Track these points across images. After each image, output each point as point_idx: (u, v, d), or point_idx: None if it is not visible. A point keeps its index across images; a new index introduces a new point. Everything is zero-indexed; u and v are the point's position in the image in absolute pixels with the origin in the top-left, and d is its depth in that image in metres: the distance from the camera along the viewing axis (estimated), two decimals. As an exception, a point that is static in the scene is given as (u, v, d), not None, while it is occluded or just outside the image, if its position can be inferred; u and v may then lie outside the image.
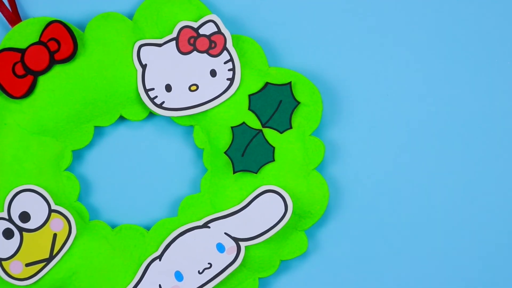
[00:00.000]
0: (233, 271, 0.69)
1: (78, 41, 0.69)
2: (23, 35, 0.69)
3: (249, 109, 0.70)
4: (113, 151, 0.73)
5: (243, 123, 0.70)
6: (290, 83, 0.70)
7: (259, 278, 0.71)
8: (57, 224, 0.69)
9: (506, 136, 0.73)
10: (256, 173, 0.69)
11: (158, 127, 0.73)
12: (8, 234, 0.69)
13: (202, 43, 0.69)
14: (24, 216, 0.69)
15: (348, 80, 0.72)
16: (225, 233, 0.69)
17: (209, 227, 0.69)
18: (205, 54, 0.69)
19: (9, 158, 0.69)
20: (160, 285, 0.69)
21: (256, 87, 0.70)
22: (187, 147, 0.73)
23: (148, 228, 0.71)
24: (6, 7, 0.70)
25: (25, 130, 0.69)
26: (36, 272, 0.69)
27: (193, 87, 0.70)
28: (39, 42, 0.69)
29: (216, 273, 0.69)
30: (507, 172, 0.73)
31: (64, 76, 0.69)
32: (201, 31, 0.69)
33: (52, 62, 0.69)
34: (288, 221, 0.69)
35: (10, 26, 0.70)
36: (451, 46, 0.73)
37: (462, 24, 0.73)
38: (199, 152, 0.72)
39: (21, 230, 0.69)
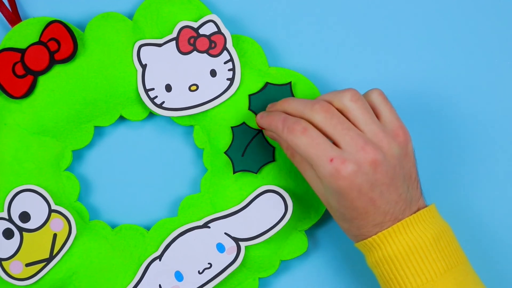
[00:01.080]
0: (233, 271, 0.69)
1: (78, 41, 0.69)
2: (23, 35, 0.69)
3: (249, 109, 0.70)
4: (113, 151, 0.73)
5: (243, 123, 0.70)
6: (290, 83, 0.70)
7: (259, 278, 0.71)
8: (57, 224, 0.69)
9: (506, 136, 0.73)
10: (256, 173, 0.69)
11: (158, 127, 0.73)
12: (8, 234, 0.69)
13: (202, 43, 0.69)
14: (24, 216, 0.69)
15: (348, 80, 0.72)
16: (225, 233, 0.69)
17: (209, 227, 0.69)
18: (205, 54, 0.69)
19: (9, 158, 0.69)
20: (160, 285, 0.69)
21: (256, 87, 0.70)
22: (187, 147, 0.73)
23: (148, 228, 0.71)
24: (6, 7, 0.70)
25: (25, 130, 0.69)
26: (36, 272, 0.69)
27: (193, 87, 0.70)
28: (39, 42, 0.69)
29: (216, 273, 0.69)
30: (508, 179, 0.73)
31: (64, 76, 0.69)
32: (201, 31, 0.69)
33: (52, 62, 0.69)
34: (288, 221, 0.69)
35: (10, 26, 0.70)
36: (449, 45, 0.73)
37: (461, 23, 0.73)
38: (199, 152, 0.72)
39: (21, 230, 0.69)
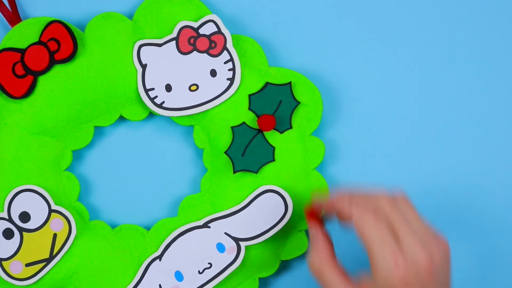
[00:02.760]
0: (233, 271, 0.69)
1: (78, 41, 0.69)
2: (23, 35, 0.69)
3: (249, 109, 0.70)
4: (113, 151, 0.72)
5: (243, 123, 0.70)
6: (290, 83, 0.70)
7: (259, 278, 0.71)
8: (57, 224, 0.69)
9: (507, 134, 0.73)
10: (256, 173, 0.69)
11: (158, 127, 0.73)
12: (8, 234, 0.69)
13: (202, 43, 0.69)
14: (24, 216, 0.69)
15: (348, 80, 0.72)
16: (225, 233, 0.69)
17: (209, 227, 0.69)
18: (205, 54, 0.69)
19: (9, 158, 0.69)
20: (160, 285, 0.69)
21: (256, 87, 0.70)
22: (187, 147, 0.73)
23: (148, 228, 0.71)
24: (6, 7, 0.70)
25: (25, 130, 0.69)
26: (36, 272, 0.69)
27: (193, 87, 0.70)
28: (39, 42, 0.69)
29: (216, 273, 0.69)
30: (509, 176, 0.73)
31: (64, 76, 0.69)
32: (201, 31, 0.69)
33: (52, 62, 0.69)
34: (288, 221, 0.69)
35: (10, 26, 0.70)
36: (450, 46, 0.73)
37: (461, 23, 0.73)
38: (199, 152, 0.72)
39: (21, 230, 0.69)
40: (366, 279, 0.61)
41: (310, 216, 0.66)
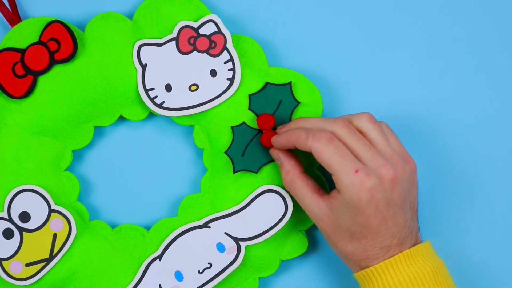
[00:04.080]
0: (233, 271, 0.69)
1: (78, 41, 0.69)
2: (23, 35, 0.69)
3: (249, 109, 0.70)
4: (113, 151, 0.73)
5: (243, 123, 0.70)
6: (290, 83, 0.70)
7: (259, 278, 0.71)
8: (57, 224, 0.69)
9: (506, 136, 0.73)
10: (256, 173, 0.69)
11: (158, 127, 0.73)
12: (8, 234, 0.69)
13: (202, 43, 0.69)
14: (24, 216, 0.69)
15: (348, 80, 0.72)
16: (225, 233, 0.69)
17: (209, 227, 0.69)
18: (205, 54, 0.69)
19: (9, 158, 0.69)
20: (160, 285, 0.69)
21: (256, 87, 0.70)
22: (187, 147, 0.73)
23: (148, 228, 0.71)
24: (6, 7, 0.70)
25: (25, 130, 0.69)
26: (36, 272, 0.69)
27: (193, 87, 0.70)
28: (39, 42, 0.69)
29: (216, 273, 0.69)
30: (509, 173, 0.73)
31: (64, 76, 0.69)
32: (201, 31, 0.69)
33: (52, 62, 0.69)
34: (288, 221, 0.69)
35: (10, 26, 0.70)
36: (449, 46, 0.73)
37: (460, 23, 0.73)
38: (199, 152, 0.72)
39: (21, 230, 0.69)
40: (336, 194, 0.64)
41: (269, 146, 0.68)
